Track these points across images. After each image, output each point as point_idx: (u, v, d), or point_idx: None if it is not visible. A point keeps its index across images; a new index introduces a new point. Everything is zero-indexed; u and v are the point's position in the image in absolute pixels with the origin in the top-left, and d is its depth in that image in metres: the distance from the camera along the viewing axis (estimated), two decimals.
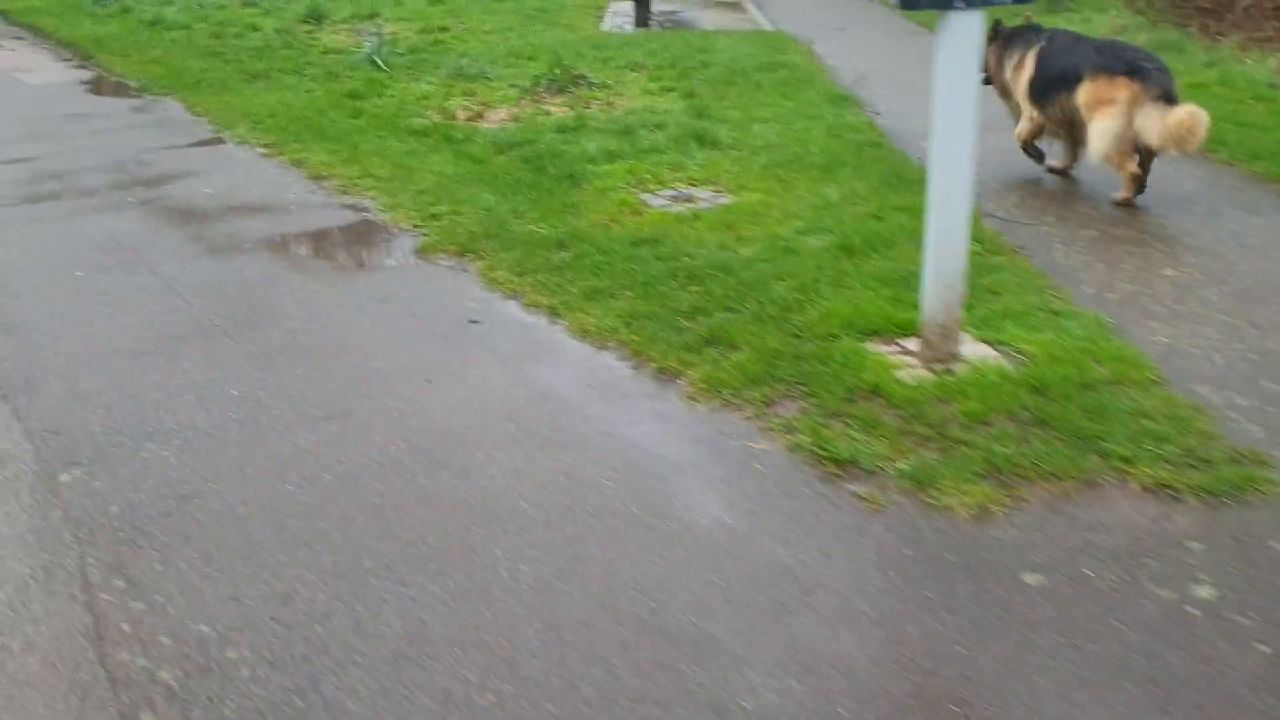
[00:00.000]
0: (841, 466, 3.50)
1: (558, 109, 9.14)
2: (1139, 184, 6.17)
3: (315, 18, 14.22)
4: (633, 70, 10.60)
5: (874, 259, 5.31)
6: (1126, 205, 6.23)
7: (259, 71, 10.99)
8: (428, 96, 9.62)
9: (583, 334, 4.67)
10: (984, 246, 5.34)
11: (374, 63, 11.36)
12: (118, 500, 3.43)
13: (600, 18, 15.28)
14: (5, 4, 17.17)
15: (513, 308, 5.04)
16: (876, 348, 4.33)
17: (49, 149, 8.21)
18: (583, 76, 9.99)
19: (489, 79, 10.30)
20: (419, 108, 9.17)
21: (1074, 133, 6.49)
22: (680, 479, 3.50)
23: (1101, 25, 11.94)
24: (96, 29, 14.06)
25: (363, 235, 6.22)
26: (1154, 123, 5.74)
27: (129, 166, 7.64)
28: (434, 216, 6.29)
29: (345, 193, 6.87)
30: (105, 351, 4.59)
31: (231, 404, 4.10)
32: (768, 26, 14.23)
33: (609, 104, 9.23)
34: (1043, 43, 6.49)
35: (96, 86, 10.82)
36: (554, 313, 4.91)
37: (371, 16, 14.48)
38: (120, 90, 10.56)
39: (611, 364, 4.40)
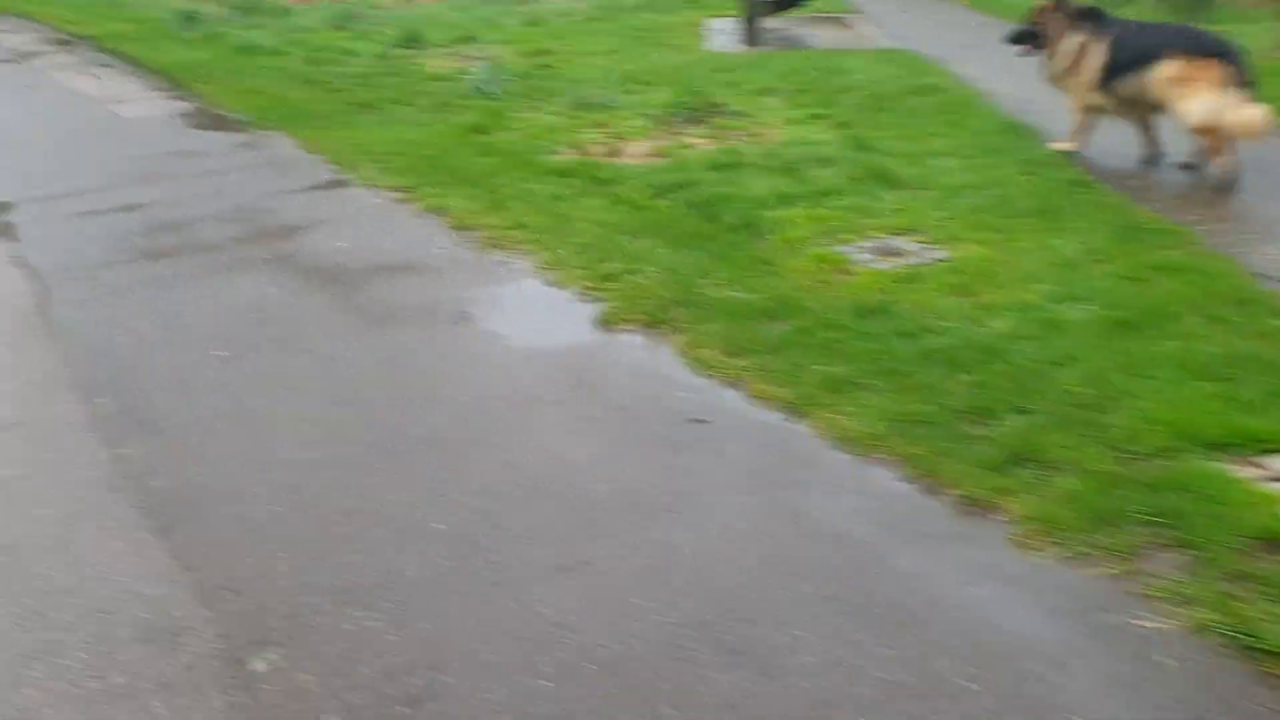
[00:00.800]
0: None
1: (699, 141, 8.30)
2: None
3: (413, 42, 13.49)
4: (767, 96, 9.74)
5: (1161, 338, 4.39)
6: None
7: (367, 102, 10.27)
8: (555, 129, 8.82)
9: (841, 441, 3.81)
10: None
11: (485, 91, 10.61)
12: (332, 706, 2.60)
13: (703, 36, 14.42)
14: (90, 29, 16.67)
15: (737, 400, 4.18)
16: (1236, 470, 3.40)
17: (159, 193, 7.49)
18: (718, 104, 9.13)
19: (615, 108, 9.48)
20: (550, 142, 8.37)
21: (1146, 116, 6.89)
22: (1066, 679, 2.61)
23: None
24: (187, 55, 13.44)
25: (530, 301, 5.40)
26: (1232, 110, 6.17)
27: (250, 215, 6.90)
28: (608, 277, 5.45)
29: (497, 246, 6.06)
30: (271, 462, 3.80)
31: (439, 544, 3.28)
32: (889, 44, 13.28)
33: (754, 135, 8.36)
34: (1116, 30, 6.86)
35: (196, 119, 10.12)
36: (793, 409, 4.05)
37: (470, 40, 13.78)
38: (223, 124, 9.86)
39: (892, 487, 3.53)
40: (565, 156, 7.98)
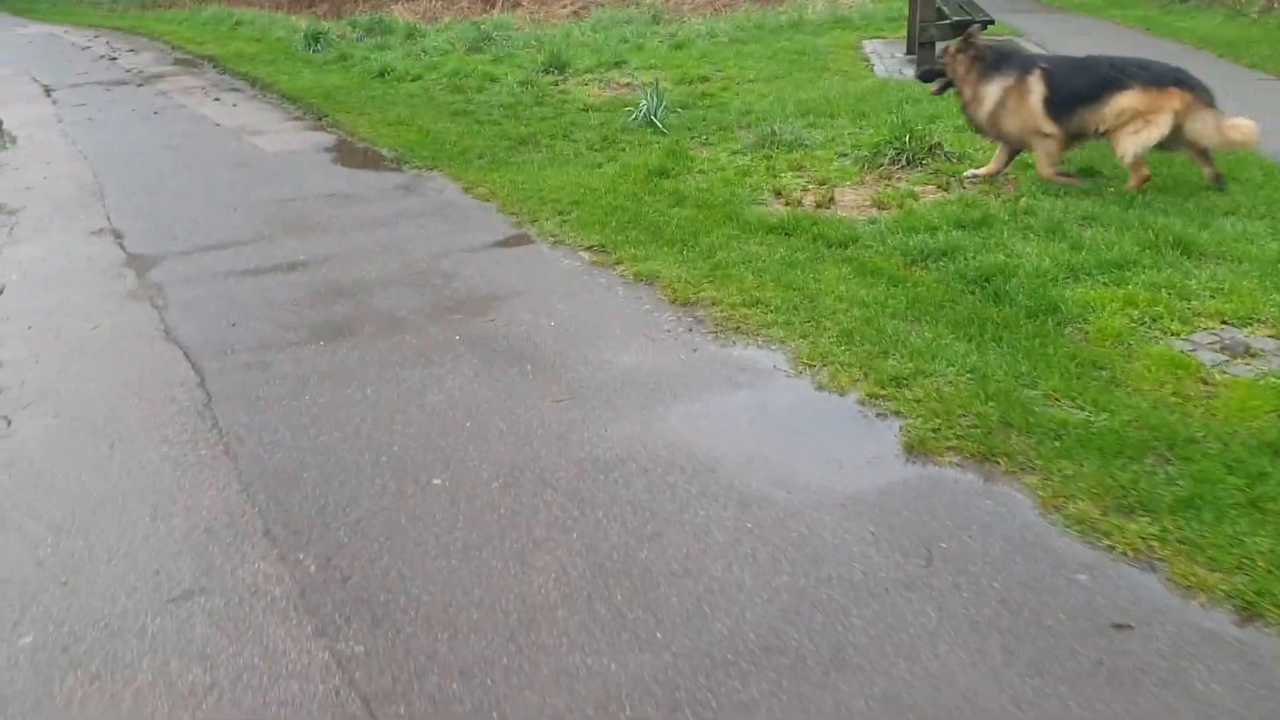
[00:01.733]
0: None
1: (924, 189, 7.13)
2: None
3: (557, 67, 12.52)
4: (975, 132, 8.49)
5: None
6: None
7: (523, 137, 9.28)
8: (747, 172, 7.73)
9: None
10: None
11: (650, 123, 9.56)
12: None
13: (868, 60, 13.22)
14: (212, 49, 16.00)
15: (1160, 591, 3.01)
16: None
17: (320, 248, 6.54)
18: (931, 143, 7.94)
19: (807, 146, 8.36)
20: (746, 189, 7.29)
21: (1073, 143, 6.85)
22: None
23: None
24: (320, 80, 12.62)
25: (803, 413, 4.27)
26: (1210, 127, 6.31)
27: (431, 278, 5.90)
28: (896, 382, 4.32)
29: (736, 330, 4.97)
30: (570, 704, 2.70)
31: None
32: None
33: (991, 183, 7.15)
34: (1043, 65, 6.77)
35: (344, 155, 9.22)
36: (1249, 609, 2.86)
37: (618, 65, 12.77)
38: (373, 160, 8.94)
39: None
40: (774, 208, 6.89)
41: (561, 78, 12.28)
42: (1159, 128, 6.33)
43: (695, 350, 4.81)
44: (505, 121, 10.07)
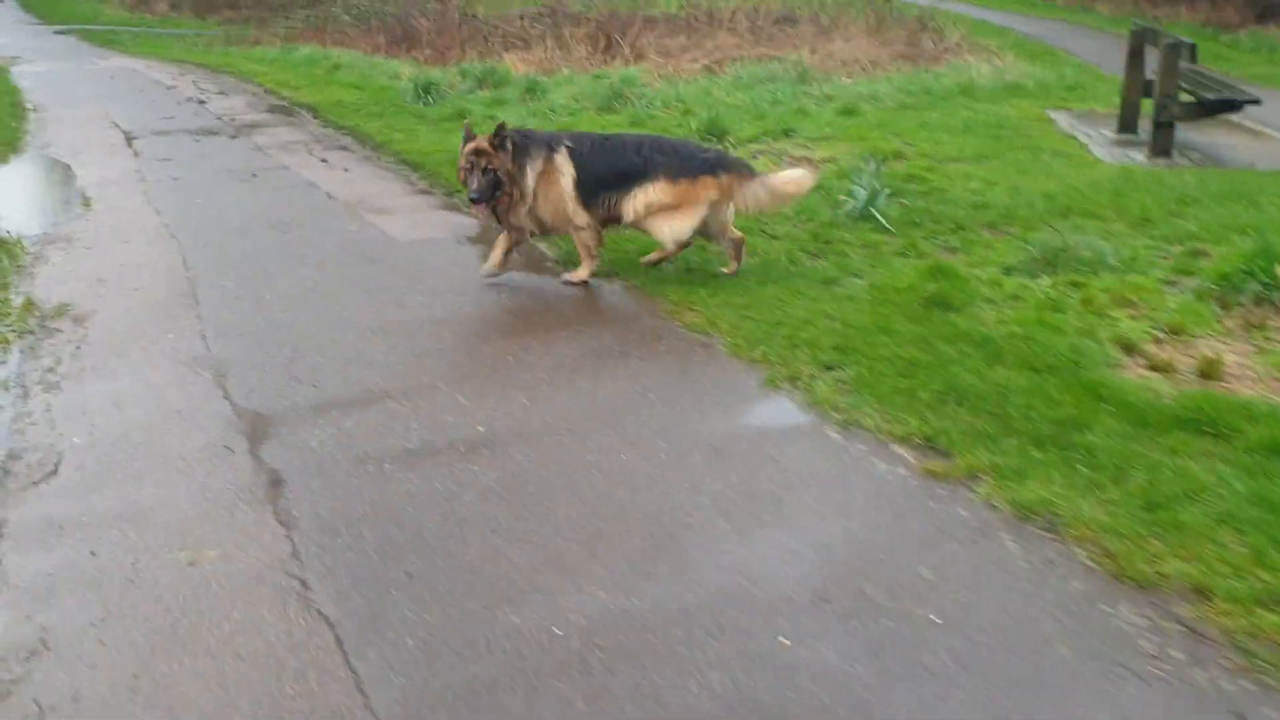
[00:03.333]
0: None
1: None
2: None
3: (715, 135, 10.48)
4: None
5: None
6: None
7: None
8: (1056, 305, 5.67)
9: None
10: None
11: (869, 215, 7.52)
12: None
13: (1072, 138, 11.10)
14: (311, 96, 14.19)
15: None
16: None
17: (502, 413, 4.58)
18: None
19: (1113, 268, 6.23)
20: (1076, 336, 5.15)
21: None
22: None
23: None
24: (442, 142, 10.69)
25: None
26: (762, 190, 6.12)
27: (681, 495, 3.82)
28: None
29: (1247, 652, 2.81)
30: None
31: None
32: None
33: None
34: (568, 143, 6.16)
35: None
36: None
37: (787, 133, 10.73)
38: (532, 258, 6.93)
39: None
40: (1138, 372, 4.80)
41: (721, 146, 10.24)
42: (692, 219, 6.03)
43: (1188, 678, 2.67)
44: None
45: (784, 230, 7.46)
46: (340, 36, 20.49)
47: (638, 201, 6.01)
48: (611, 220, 6.20)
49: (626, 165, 6.04)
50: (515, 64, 15.45)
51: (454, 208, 8.33)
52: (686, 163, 6.03)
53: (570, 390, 4.77)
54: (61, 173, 9.89)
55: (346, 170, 9.77)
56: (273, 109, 13.63)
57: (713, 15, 17.35)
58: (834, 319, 5.51)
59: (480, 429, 4.40)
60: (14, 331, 5.72)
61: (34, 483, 4.06)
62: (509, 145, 6.01)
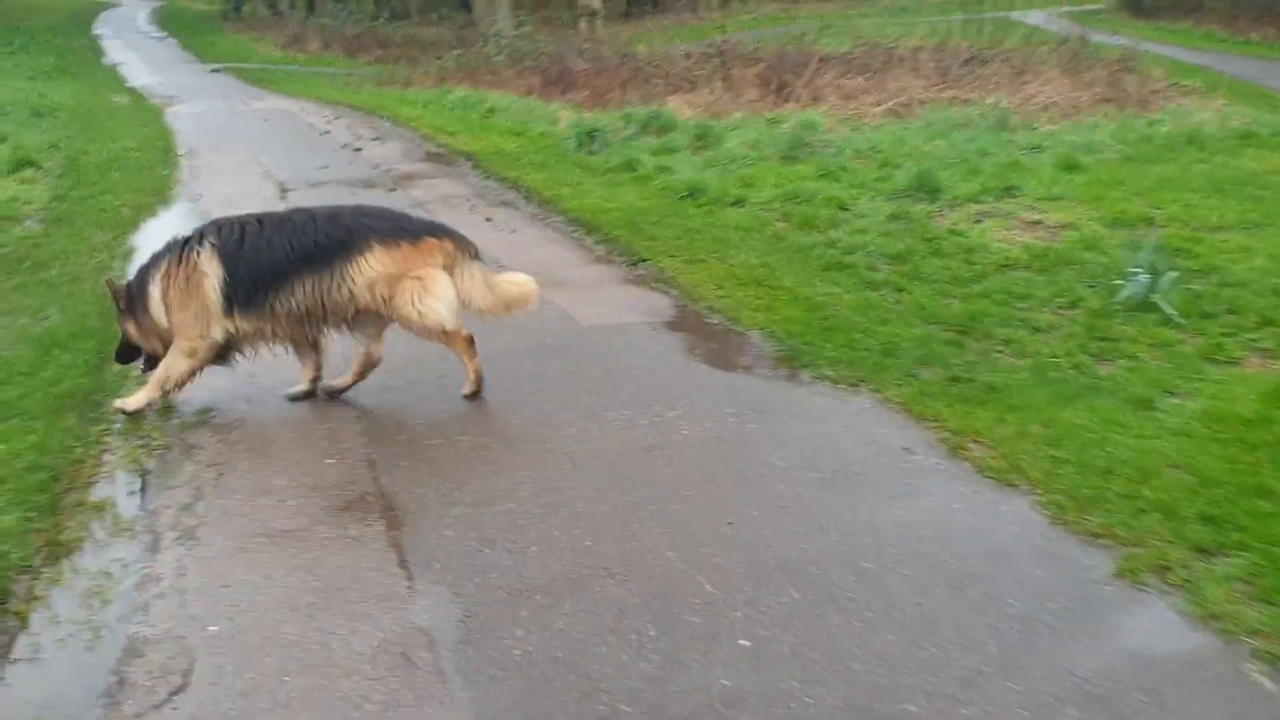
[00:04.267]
0: None
1: None
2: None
3: (927, 191, 9.14)
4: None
5: None
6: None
7: (957, 319, 6.06)
8: None
9: None
10: None
11: (1150, 305, 6.10)
12: None
13: None
14: (468, 143, 13.30)
15: None
16: None
17: (775, 637, 3.25)
18: None
19: None
20: None
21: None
22: None
23: None
24: (613, 197, 9.61)
25: None
26: (480, 279, 5.10)
27: None
28: None
29: None
30: None
31: None
32: None
33: None
34: (212, 239, 4.89)
35: (695, 338, 6.14)
36: None
37: (1009, 192, 9.31)
38: (743, 353, 5.85)
39: None
40: None
41: (935, 207, 8.91)
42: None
43: None
44: (909, 285, 6.77)
45: (1047, 320, 6.10)
46: (492, 78, 19.76)
47: (356, 282, 4.82)
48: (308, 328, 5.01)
49: (313, 244, 4.85)
50: (681, 107, 14.37)
51: (641, 281, 7.18)
52: (403, 224, 5.05)
53: (857, 579, 3.50)
54: None
55: (514, 232, 8.74)
56: (430, 157, 12.79)
57: (890, 54, 15.99)
58: (1178, 466, 4.15)
59: (743, 643, 3.16)
60: (147, 446, 4.74)
61: (154, 705, 2.97)
62: (122, 304, 5.07)
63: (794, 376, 5.39)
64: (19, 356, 5.85)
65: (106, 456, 4.68)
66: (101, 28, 44.38)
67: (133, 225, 9.20)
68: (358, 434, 4.82)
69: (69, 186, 10.71)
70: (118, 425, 4.98)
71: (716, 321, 6.31)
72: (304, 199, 10.10)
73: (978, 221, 8.45)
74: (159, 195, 10.45)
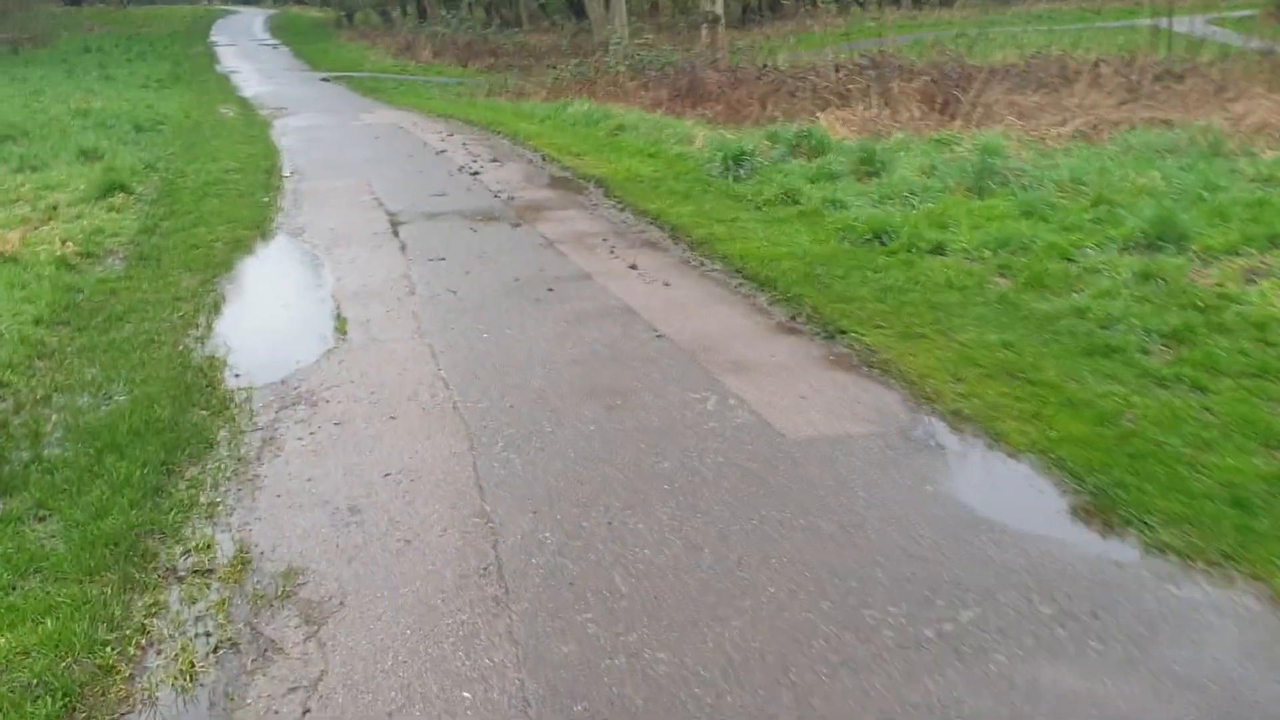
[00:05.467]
0: None
1: None
2: None
3: (1171, 239, 7.27)
4: None
5: None
6: None
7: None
8: None
9: None
10: None
11: None
12: None
13: None
14: (597, 166, 11.76)
15: None
16: None
17: None
18: None
19: None
20: None
21: None
22: None
23: None
24: (778, 238, 8.00)
25: None
26: None
27: None
28: None
29: None
30: None
31: None
32: None
33: None
34: None
35: (945, 457, 4.43)
36: None
37: (1274, 241, 7.36)
38: (1024, 491, 4.10)
39: None
40: None
41: (1186, 260, 7.06)
42: None
43: None
44: (1208, 382, 5.02)
45: None
46: (613, 89, 18.25)
47: None
48: None
49: None
50: (832, 125, 12.61)
51: (846, 364, 5.53)
52: None
53: None
54: (313, 274, 7.69)
55: (668, 285, 7.14)
56: (555, 182, 11.28)
57: (1066, 67, 14.03)
58: None
59: None
60: (209, 638, 3.23)
61: None
62: None
63: (1117, 539, 3.67)
64: (64, 463, 4.45)
65: (150, 659, 3.18)
66: (217, 35, 44.22)
67: (225, 267, 7.84)
68: (511, 641, 3.23)
69: (160, 216, 9.45)
70: (170, 595, 3.50)
71: (971, 436, 4.61)
72: (418, 236, 8.69)
73: (1250, 282, 6.60)
74: (258, 228, 9.12)
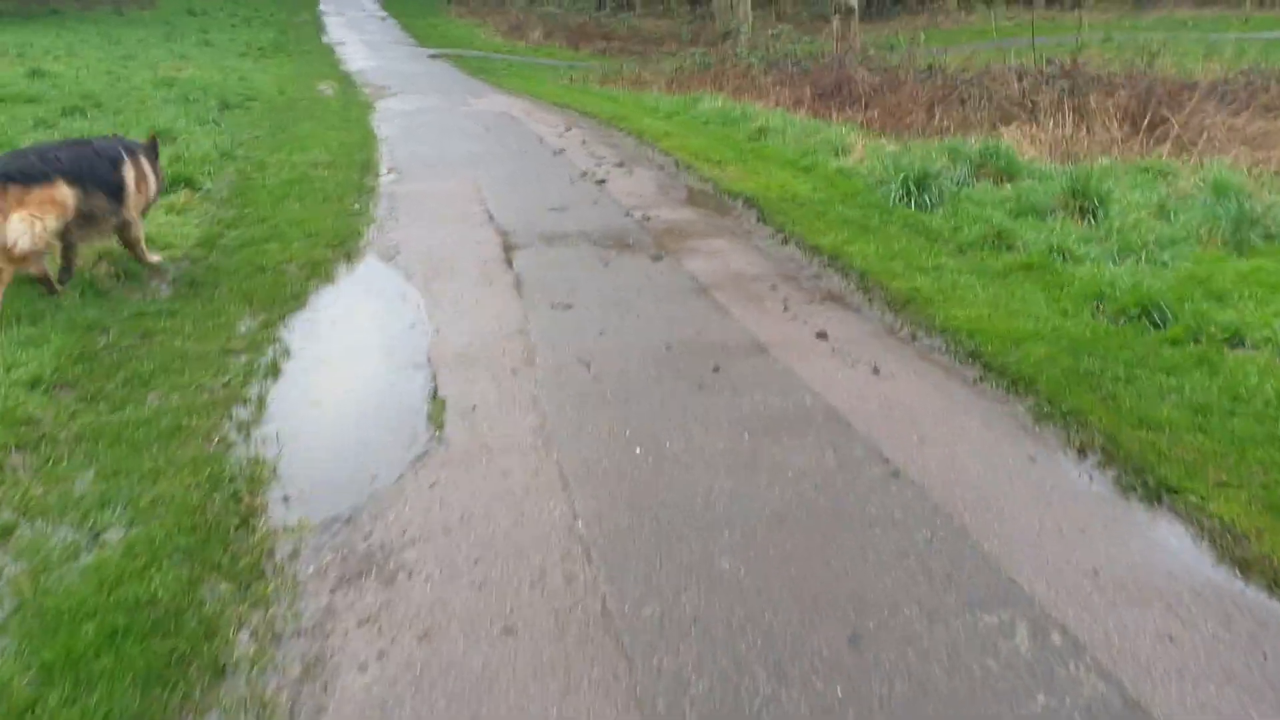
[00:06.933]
0: None
1: None
2: None
3: None
4: None
5: None
6: None
7: None
8: None
9: None
10: None
11: None
12: None
13: None
14: (741, 179, 9.70)
15: None
16: None
17: None
18: None
19: None
20: None
21: None
22: None
23: None
24: (1007, 303, 5.96)
25: None
26: None
27: None
28: None
29: None
30: None
31: None
32: None
33: None
34: None
35: None
36: None
37: None
38: None
39: None
40: None
41: None
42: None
43: None
44: None
45: None
46: (744, 84, 16.13)
47: None
48: None
49: None
50: (1019, 142, 10.37)
51: (1178, 545, 3.40)
52: None
53: None
54: (405, 320, 5.81)
55: (876, 373, 5.09)
56: (694, 198, 9.27)
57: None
58: None
59: None
60: None
61: None
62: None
63: None
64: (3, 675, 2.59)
65: None
66: (326, 4, 42.98)
67: (295, 301, 6.02)
68: None
69: (228, 222, 7.67)
70: None
71: None
72: (536, 267, 6.78)
73: None
74: (342, 245, 7.28)
